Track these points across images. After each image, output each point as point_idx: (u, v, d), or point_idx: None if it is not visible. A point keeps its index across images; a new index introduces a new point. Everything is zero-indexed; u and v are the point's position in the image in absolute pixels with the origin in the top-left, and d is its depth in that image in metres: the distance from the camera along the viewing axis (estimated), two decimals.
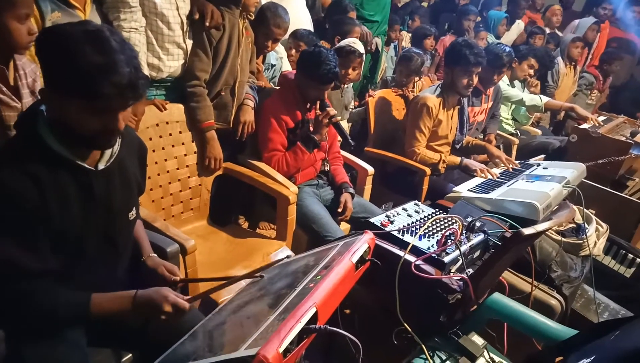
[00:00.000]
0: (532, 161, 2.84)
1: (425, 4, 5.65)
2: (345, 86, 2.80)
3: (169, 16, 1.95)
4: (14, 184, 1.00)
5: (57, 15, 1.61)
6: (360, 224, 2.25)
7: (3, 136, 1.36)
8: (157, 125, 2.02)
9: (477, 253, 1.61)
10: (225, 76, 2.18)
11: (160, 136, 2.04)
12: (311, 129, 2.28)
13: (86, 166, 1.11)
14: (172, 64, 2.04)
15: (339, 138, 2.50)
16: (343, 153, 2.67)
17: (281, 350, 0.77)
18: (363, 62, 2.72)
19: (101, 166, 1.15)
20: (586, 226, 2.17)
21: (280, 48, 2.91)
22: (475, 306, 1.49)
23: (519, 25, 5.23)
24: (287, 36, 2.86)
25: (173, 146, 2.09)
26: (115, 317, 1.13)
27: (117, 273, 1.31)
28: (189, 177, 2.18)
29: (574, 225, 2.20)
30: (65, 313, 1.09)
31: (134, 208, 1.31)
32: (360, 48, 2.65)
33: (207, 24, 2.02)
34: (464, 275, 1.37)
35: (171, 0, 1.95)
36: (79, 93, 0.99)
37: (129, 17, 1.82)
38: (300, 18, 3.08)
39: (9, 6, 1.26)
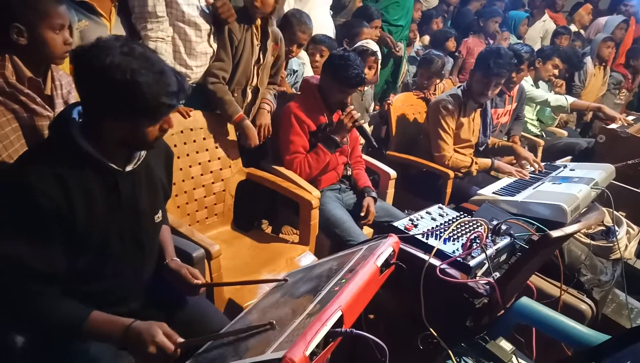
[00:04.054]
0: (558, 162, 2.78)
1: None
2: (365, 88, 2.79)
3: (196, 24, 1.99)
4: (39, 184, 1.03)
5: (85, 24, 1.65)
6: (383, 228, 2.23)
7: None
8: (182, 132, 2.05)
9: (503, 257, 1.58)
10: (238, 77, 2.22)
11: (185, 143, 2.07)
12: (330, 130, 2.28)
13: (114, 167, 1.14)
14: (200, 70, 2.09)
15: (362, 140, 2.49)
16: (365, 156, 2.66)
17: (308, 353, 0.77)
18: (378, 61, 2.72)
19: (129, 168, 1.18)
20: (616, 228, 2.12)
21: (302, 53, 2.93)
22: (502, 311, 1.46)
23: (545, 24, 5.12)
24: None
25: (197, 152, 2.13)
26: (105, 341, 1.13)
27: (144, 277, 1.33)
28: (213, 183, 2.21)
29: (604, 228, 2.15)
30: (59, 323, 1.09)
31: (160, 211, 1.33)
32: (373, 47, 2.67)
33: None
34: (491, 279, 1.35)
35: (197, 7, 1.99)
36: (145, 113, 1.07)
37: (156, 27, 1.86)
38: (322, 24, 3.10)
39: (44, 16, 1.30)
